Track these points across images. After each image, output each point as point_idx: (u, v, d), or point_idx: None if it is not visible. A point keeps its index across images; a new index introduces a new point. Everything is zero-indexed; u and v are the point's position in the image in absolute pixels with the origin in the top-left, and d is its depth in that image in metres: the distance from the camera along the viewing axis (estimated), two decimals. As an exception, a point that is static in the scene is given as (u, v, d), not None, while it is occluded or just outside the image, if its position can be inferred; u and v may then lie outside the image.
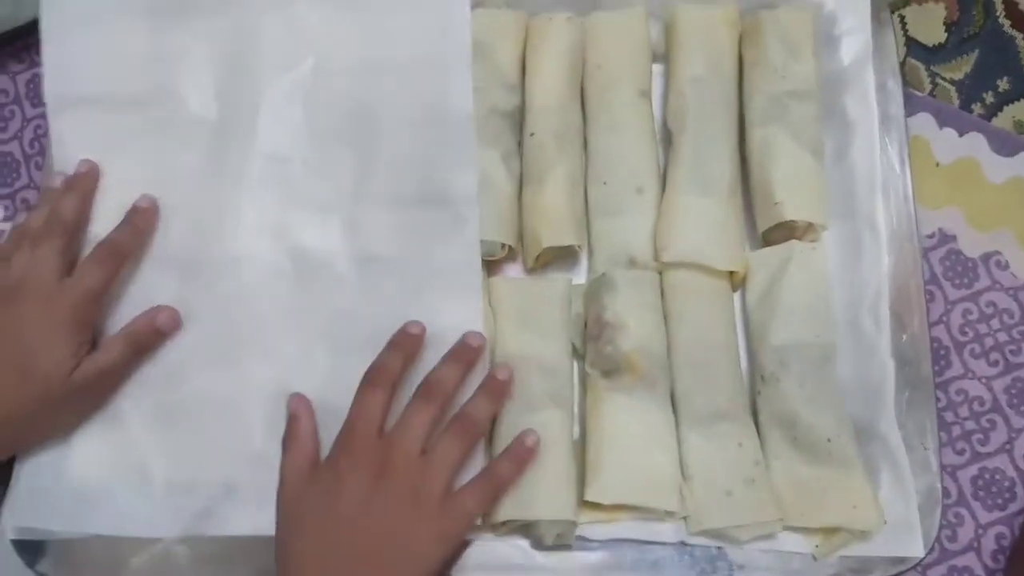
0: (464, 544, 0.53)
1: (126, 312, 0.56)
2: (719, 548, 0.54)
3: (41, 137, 0.65)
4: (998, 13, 0.62)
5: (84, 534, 0.55)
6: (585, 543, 0.54)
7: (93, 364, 0.52)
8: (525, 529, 0.54)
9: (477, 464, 0.54)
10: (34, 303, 0.52)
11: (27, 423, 0.53)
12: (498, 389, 0.54)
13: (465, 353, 0.54)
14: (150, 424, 0.56)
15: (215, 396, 0.56)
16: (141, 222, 0.56)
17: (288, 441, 0.53)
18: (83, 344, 0.52)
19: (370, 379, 0.53)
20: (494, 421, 0.55)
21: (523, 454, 0.52)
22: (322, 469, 0.52)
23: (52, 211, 0.55)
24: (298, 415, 0.54)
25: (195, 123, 0.59)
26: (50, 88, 0.59)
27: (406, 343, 0.54)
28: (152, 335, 0.54)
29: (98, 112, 0.59)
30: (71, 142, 0.59)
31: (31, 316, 0.51)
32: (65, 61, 0.60)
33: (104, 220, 0.57)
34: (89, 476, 0.55)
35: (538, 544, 0.54)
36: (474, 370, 0.55)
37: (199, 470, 0.55)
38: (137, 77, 0.60)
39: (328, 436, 0.53)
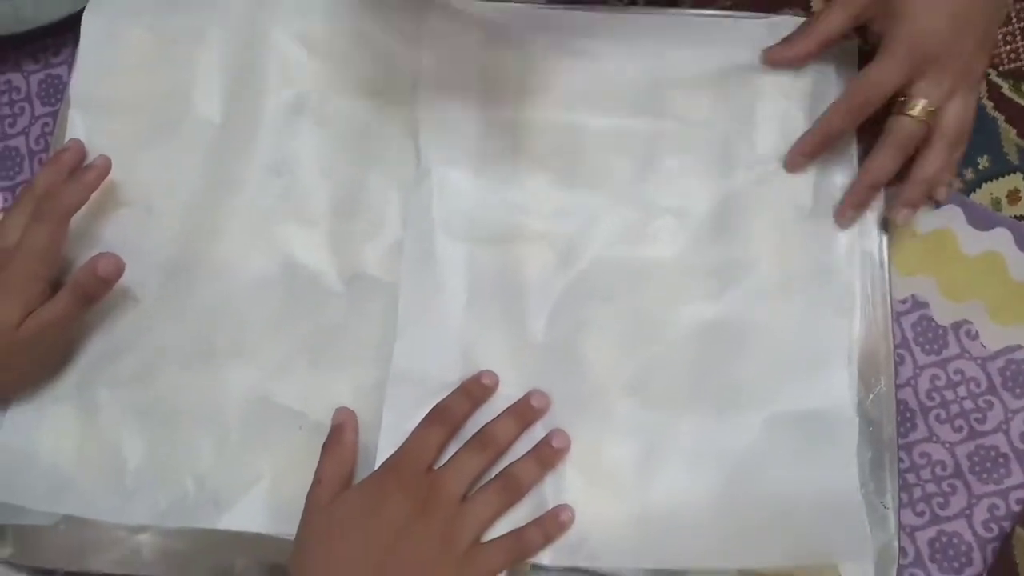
0: None
1: (107, 302, 0.57)
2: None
3: (47, 135, 0.66)
4: (982, 95, 0.64)
5: (54, 513, 0.55)
6: (541, 571, 0.54)
7: (41, 315, 0.54)
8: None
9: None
10: None
11: None
12: (550, 456, 0.54)
13: (526, 411, 0.55)
14: (126, 412, 0.57)
15: (193, 392, 0.57)
16: (91, 179, 0.58)
17: (331, 446, 0.54)
18: (33, 297, 0.54)
19: (432, 416, 0.54)
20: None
21: (554, 528, 0.53)
22: (366, 485, 0.52)
23: (26, 183, 0.59)
24: (344, 425, 0.55)
25: (200, 127, 0.62)
26: (76, 86, 0.63)
27: (476, 390, 0.55)
28: (95, 282, 0.55)
29: (114, 111, 0.62)
30: (84, 137, 0.62)
31: None
32: (95, 62, 0.63)
33: (102, 214, 0.60)
34: (62, 458, 0.56)
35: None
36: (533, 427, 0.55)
37: (172, 462, 0.56)
38: (152, 78, 0.63)
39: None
